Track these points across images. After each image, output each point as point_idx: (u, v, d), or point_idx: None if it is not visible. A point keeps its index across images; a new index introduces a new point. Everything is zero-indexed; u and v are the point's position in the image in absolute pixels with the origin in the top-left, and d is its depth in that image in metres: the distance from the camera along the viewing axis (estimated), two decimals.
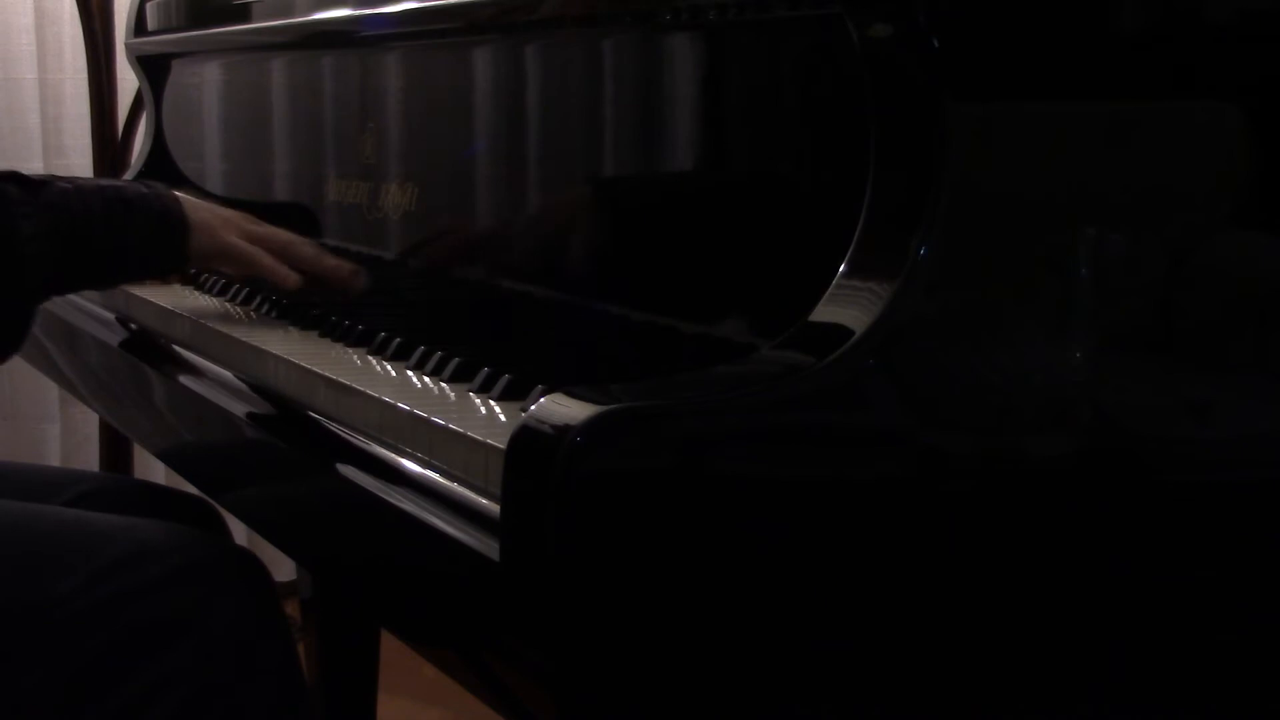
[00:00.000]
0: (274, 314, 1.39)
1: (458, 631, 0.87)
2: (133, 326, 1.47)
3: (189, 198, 1.33)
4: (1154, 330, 0.85)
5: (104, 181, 1.29)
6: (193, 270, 1.57)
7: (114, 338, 1.46)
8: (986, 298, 0.81)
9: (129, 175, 1.91)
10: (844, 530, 0.75)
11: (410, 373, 1.10)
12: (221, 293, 1.51)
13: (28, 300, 1.25)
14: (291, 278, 1.34)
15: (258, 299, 1.44)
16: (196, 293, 1.54)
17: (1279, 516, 0.86)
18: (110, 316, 1.52)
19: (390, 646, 1.78)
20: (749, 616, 0.74)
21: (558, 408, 0.74)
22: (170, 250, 1.30)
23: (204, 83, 1.80)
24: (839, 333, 0.78)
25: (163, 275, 1.43)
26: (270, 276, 1.34)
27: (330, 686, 1.76)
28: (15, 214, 1.22)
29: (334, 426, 1.05)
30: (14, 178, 1.25)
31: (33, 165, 2.55)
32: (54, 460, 2.59)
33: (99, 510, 1.28)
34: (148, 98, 1.93)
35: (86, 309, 1.57)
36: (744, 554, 0.74)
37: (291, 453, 1.06)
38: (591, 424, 0.72)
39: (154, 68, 1.91)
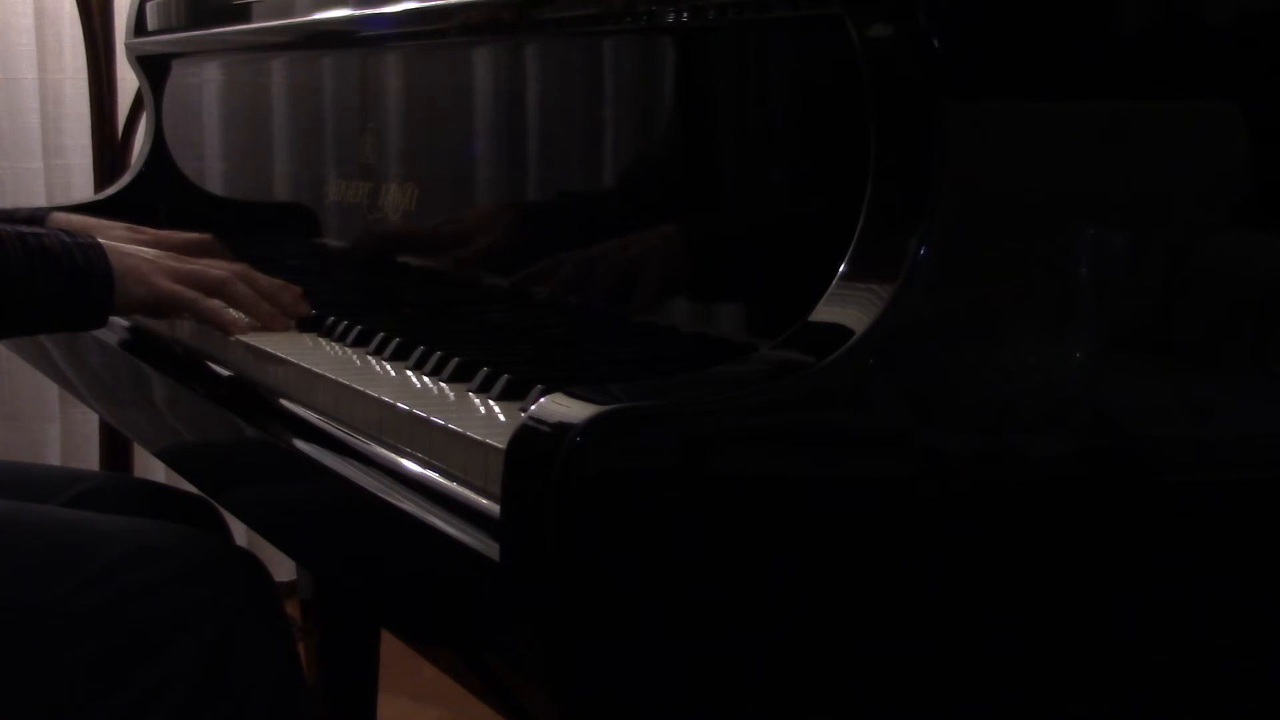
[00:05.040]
0: None
1: (457, 632, 0.87)
2: (132, 326, 1.47)
3: (114, 245, 1.26)
4: (1153, 330, 0.85)
5: (26, 230, 1.22)
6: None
7: (114, 338, 1.46)
8: (986, 298, 0.81)
9: (129, 175, 1.91)
10: (844, 530, 0.75)
11: (410, 373, 1.10)
12: None
13: None
14: (240, 324, 1.27)
15: None
16: None
17: (1279, 516, 0.86)
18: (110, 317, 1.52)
19: (390, 646, 1.78)
20: (749, 617, 0.74)
21: (557, 407, 0.74)
22: (92, 302, 1.24)
23: (204, 83, 1.80)
24: (839, 333, 0.78)
25: (85, 327, 1.33)
26: (214, 322, 1.27)
27: (330, 686, 1.76)
28: None
29: (334, 426, 1.05)
30: None
31: (33, 165, 2.55)
32: (54, 460, 2.59)
33: (99, 510, 1.28)
34: (148, 98, 1.93)
35: None
36: (744, 554, 0.74)
37: (291, 453, 1.06)
38: (591, 424, 0.72)
39: (154, 68, 1.90)
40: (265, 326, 1.28)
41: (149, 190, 1.87)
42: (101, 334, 1.50)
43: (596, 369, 1.06)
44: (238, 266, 1.32)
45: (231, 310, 1.27)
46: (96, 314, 1.26)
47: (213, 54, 1.76)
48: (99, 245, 1.24)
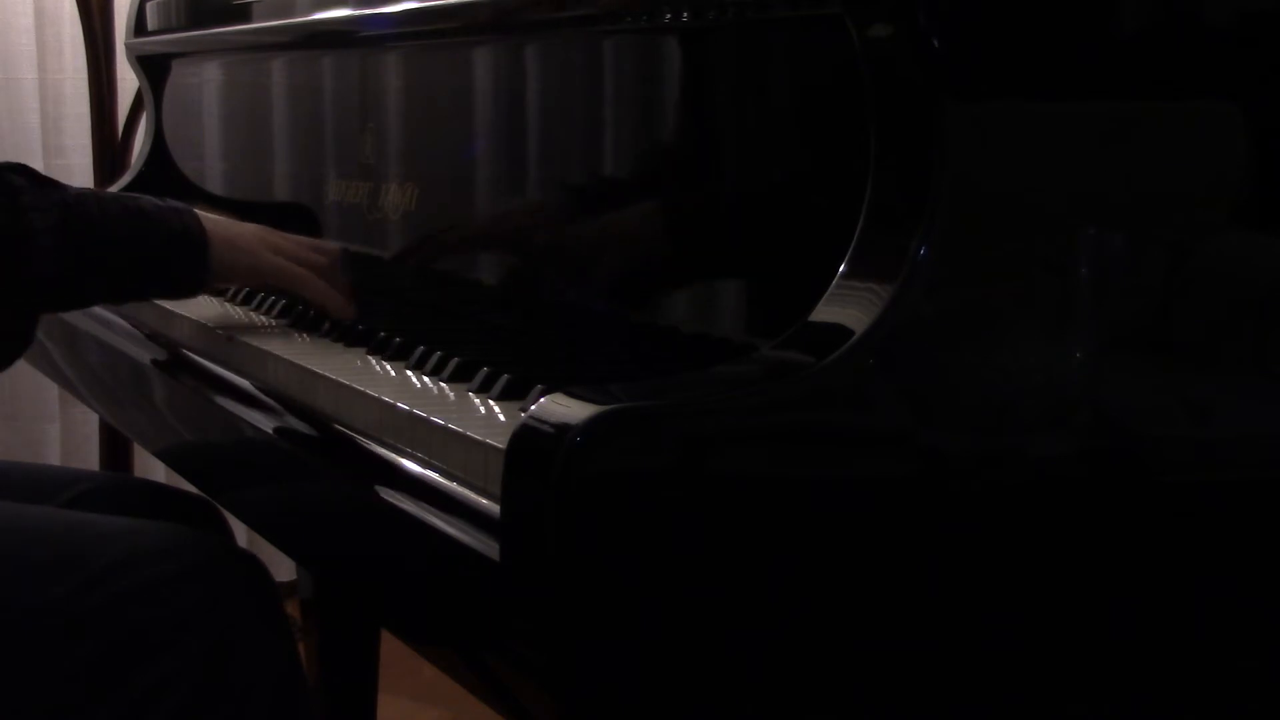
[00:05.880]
0: (274, 314, 1.39)
1: (457, 632, 0.87)
2: (134, 327, 1.47)
3: (206, 214, 1.27)
4: (1153, 330, 0.85)
5: (120, 192, 1.23)
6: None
7: (114, 338, 1.46)
8: (986, 298, 0.81)
9: (129, 175, 1.91)
10: (844, 531, 0.75)
11: (410, 372, 1.10)
12: (220, 294, 1.51)
13: (33, 301, 1.21)
14: (349, 309, 1.27)
15: (256, 299, 1.44)
16: None
17: (1279, 516, 0.86)
18: (111, 317, 1.52)
19: (390, 646, 1.78)
20: (749, 617, 0.74)
21: (557, 407, 0.74)
22: (190, 265, 1.24)
23: (204, 83, 1.80)
24: (839, 333, 0.78)
25: (183, 291, 1.30)
26: (318, 302, 1.27)
27: (330, 686, 1.76)
28: (23, 206, 1.19)
29: (334, 426, 1.05)
30: (22, 170, 1.23)
31: (33, 165, 2.55)
32: (54, 460, 2.59)
33: (99, 510, 1.28)
34: (148, 98, 1.93)
35: (87, 309, 1.57)
36: (744, 554, 0.74)
37: (291, 453, 1.06)
38: (591, 424, 0.72)
39: (154, 68, 1.90)
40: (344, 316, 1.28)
41: (149, 190, 1.87)
42: (102, 334, 1.50)
43: (596, 369, 1.06)
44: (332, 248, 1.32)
45: (340, 295, 1.27)
46: (191, 280, 1.26)
47: (213, 54, 1.76)
48: (191, 210, 1.25)
